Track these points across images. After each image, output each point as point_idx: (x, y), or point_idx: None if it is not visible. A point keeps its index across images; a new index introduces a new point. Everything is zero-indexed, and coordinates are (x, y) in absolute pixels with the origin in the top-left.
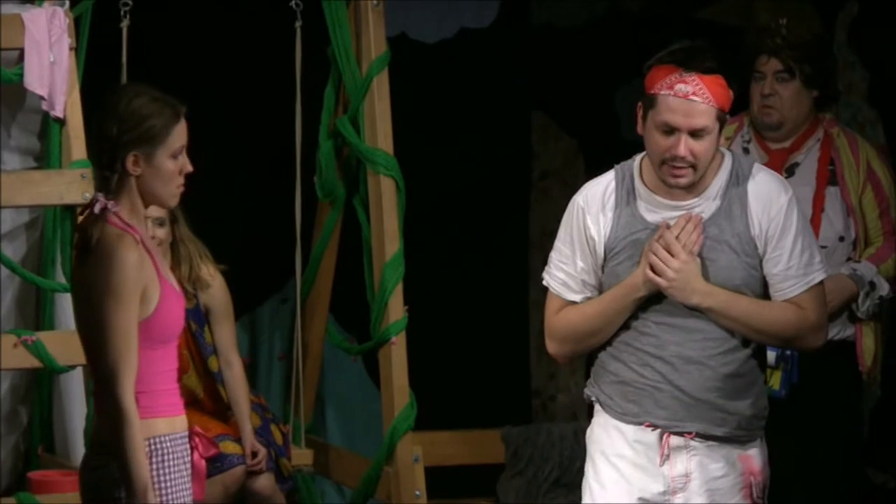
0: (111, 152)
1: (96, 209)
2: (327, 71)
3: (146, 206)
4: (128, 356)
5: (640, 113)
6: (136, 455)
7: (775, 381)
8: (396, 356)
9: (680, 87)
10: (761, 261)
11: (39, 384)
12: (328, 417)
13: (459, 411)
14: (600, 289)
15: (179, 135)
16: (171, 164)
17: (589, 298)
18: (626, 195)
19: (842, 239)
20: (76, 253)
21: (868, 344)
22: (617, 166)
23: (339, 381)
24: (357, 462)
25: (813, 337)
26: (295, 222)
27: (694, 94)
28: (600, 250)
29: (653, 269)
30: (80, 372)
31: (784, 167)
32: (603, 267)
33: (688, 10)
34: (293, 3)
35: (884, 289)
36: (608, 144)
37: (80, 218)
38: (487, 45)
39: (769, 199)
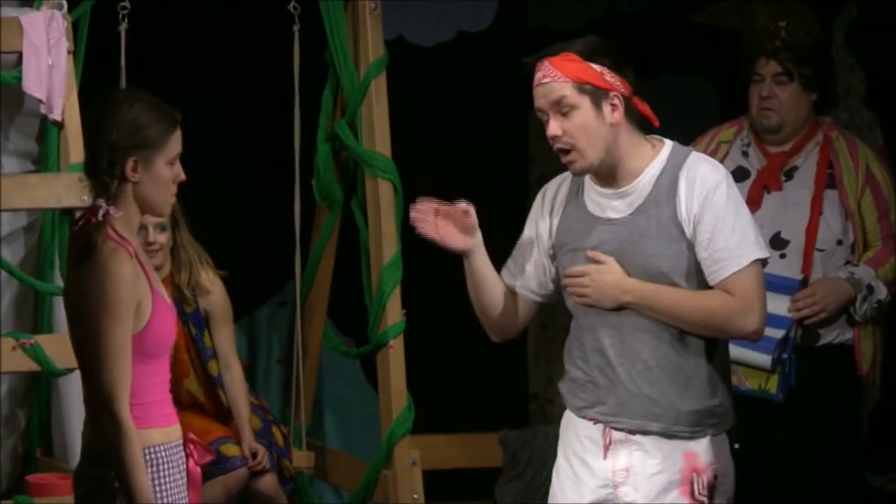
0: (110, 157)
1: (99, 215)
2: (325, 74)
3: (141, 214)
4: (124, 372)
5: None
6: (137, 469)
7: (772, 384)
8: (394, 359)
9: (536, 76)
10: (694, 245)
11: (38, 387)
12: (326, 420)
13: (457, 414)
14: (543, 282)
15: (176, 142)
16: (167, 171)
17: (521, 285)
18: (577, 189)
19: (840, 242)
20: (71, 260)
21: (866, 348)
22: None
23: (336, 384)
24: (355, 465)
25: (741, 321)
26: (293, 225)
27: (544, 76)
28: (547, 243)
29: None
30: (78, 375)
31: (783, 170)
32: (554, 258)
33: (685, 13)
34: (291, 6)
35: (882, 293)
36: None
37: (76, 224)
38: (485, 48)
39: (696, 182)
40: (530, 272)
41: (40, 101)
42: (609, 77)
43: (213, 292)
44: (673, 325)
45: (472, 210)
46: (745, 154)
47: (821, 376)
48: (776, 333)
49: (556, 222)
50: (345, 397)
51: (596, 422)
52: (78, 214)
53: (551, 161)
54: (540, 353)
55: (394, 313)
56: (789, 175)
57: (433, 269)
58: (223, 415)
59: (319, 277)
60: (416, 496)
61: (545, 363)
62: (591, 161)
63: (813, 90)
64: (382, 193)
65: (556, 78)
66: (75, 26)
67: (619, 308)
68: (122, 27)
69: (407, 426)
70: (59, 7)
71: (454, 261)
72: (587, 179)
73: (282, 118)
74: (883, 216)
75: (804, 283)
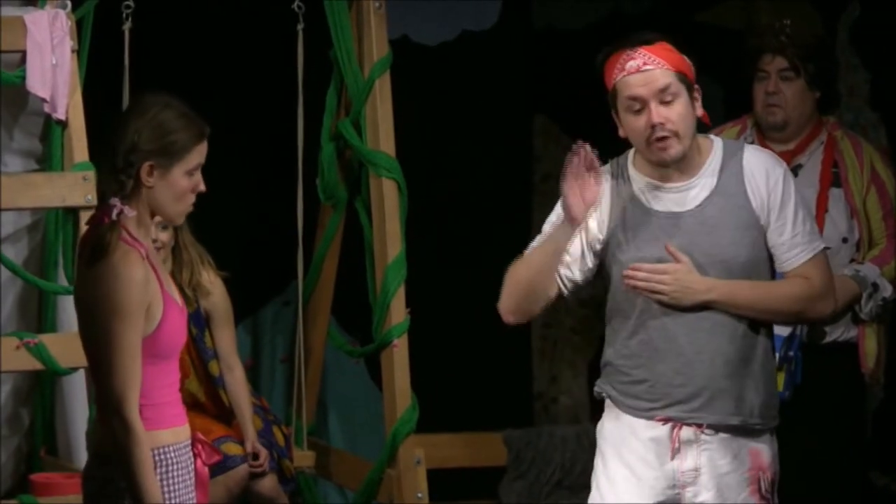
0: (127, 157)
1: (113, 214)
2: (329, 73)
3: (151, 218)
4: (133, 375)
5: (615, 116)
6: (146, 472)
7: (779, 382)
8: (398, 359)
9: (630, 64)
10: (765, 234)
11: (41, 386)
12: (330, 420)
13: (461, 414)
14: (578, 273)
15: (199, 153)
16: (185, 181)
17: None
18: (622, 185)
19: (845, 241)
20: (82, 260)
21: (870, 346)
22: (612, 160)
23: (340, 383)
24: (359, 464)
25: (822, 305)
26: (297, 225)
27: (645, 63)
28: (595, 237)
29: (647, 291)
30: (82, 374)
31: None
32: (597, 253)
33: (689, 13)
34: (295, 5)
35: (887, 290)
36: (611, 147)
37: (90, 222)
38: (489, 47)
39: (766, 170)
40: (570, 261)
41: (44, 101)
42: (693, 71)
43: (214, 293)
44: (753, 316)
45: (598, 189)
46: None
47: (826, 375)
48: (782, 331)
49: (606, 218)
50: (349, 397)
51: (667, 421)
52: (91, 213)
53: (556, 161)
54: (544, 353)
55: (398, 312)
56: (794, 173)
57: (437, 268)
58: (224, 415)
59: (323, 277)
60: (420, 495)
61: (549, 362)
62: (684, 149)
63: (817, 87)
64: (387, 193)
65: (659, 65)
66: (79, 25)
67: (692, 305)
68: (126, 26)
69: (411, 425)
70: (63, 6)
71: (457, 262)
72: (635, 175)
73: (285, 117)
74: (887, 214)
75: None
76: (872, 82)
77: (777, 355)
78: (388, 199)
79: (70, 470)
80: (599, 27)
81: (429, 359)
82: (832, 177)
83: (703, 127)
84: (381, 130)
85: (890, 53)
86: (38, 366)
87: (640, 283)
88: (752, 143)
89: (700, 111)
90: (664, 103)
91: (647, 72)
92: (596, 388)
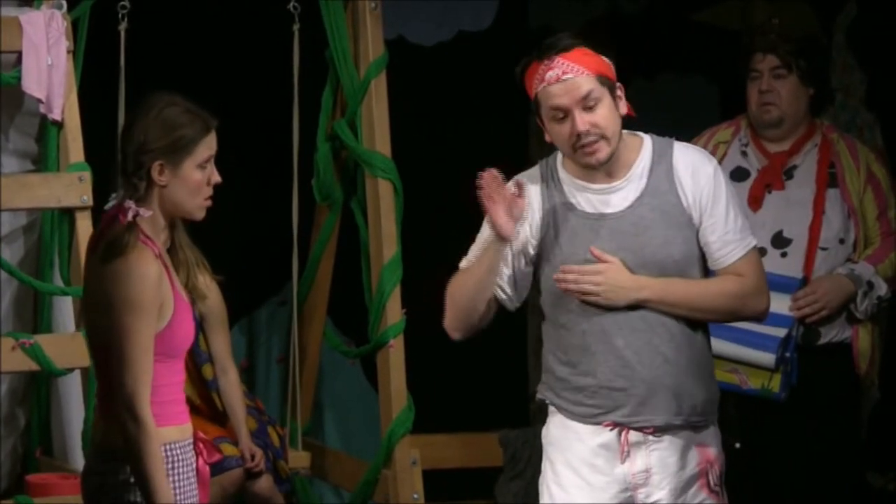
0: (136, 159)
1: (129, 216)
2: (325, 73)
3: (171, 217)
4: (146, 372)
5: (539, 122)
6: (158, 470)
7: (775, 383)
8: (394, 359)
9: (549, 74)
10: (697, 232)
11: (37, 387)
12: (326, 420)
13: (457, 414)
14: (514, 276)
15: (208, 145)
16: (198, 174)
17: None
18: (552, 185)
19: (842, 241)
20: (95, 258)
21: (864, 346)
22: (541, 161)
23: (336, 383)
24: (355, 465)
25: (756, 302)
26: (293, 225)
27: (564, 73)
28: (528, 246)
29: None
30: (77, 375)
31: (783, 169)
32: (532, 262)
33: (686, 13)
34: (291, 5)
35: (882, 289)
36: None
37: (103, 218)
38: (485, 48)
39: (696, 168)
40: (507, 273)
41: (40, 101)
42: (613, 69)
43: (210, 297)
44: (687, 314)
45: (522, 201)
46: (744, 154)
47: (821, 375)
48: (779, 332)
49: (538, 221)
50: (345, 397)
51: (614, 426)
52: (108, 209)
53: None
54: (540, 353)
55: (394, 313)
56: (789, 174)
57: (433, 269)
58: (218, 417)
59: (319, 277)
60: (416, 496)
61: None
62: (612, 150)
63: (811, 84)
64: (382, 193)
65: (579, 73)
66: (75, 26)
67: (627, 307)
68: (122, 26)
69: (407, 426)
70: (59, 6)
71: (453, 262)
72: (564, 177)
73: (281, 117)
74: (882, 213)
75: (804, 281)
76: (868, 83)
77: (774, 357)
78: (383, 200)
79: (66, 470)
80: (596, 26)
81: (425, 359)
82: (828, 177)
83: (697, 128)
84: (376, 131)
85: (886, 54)
86: (33, 366)
87: (571, 285)
88: (746, 143)
89: (624, 108)
90: (587, 109)
91: (568, 80)
92: (538, 395)
